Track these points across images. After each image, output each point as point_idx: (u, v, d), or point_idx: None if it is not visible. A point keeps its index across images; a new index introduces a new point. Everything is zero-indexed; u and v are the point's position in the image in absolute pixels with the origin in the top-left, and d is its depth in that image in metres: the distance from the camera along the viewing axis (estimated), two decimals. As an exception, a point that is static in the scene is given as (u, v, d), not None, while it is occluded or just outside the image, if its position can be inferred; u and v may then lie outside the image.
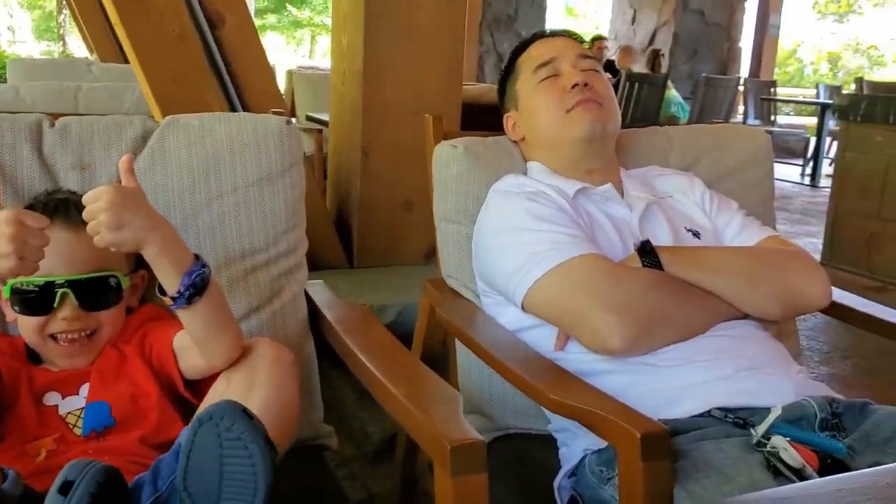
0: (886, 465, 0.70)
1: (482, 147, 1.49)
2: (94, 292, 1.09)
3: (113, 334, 1.12)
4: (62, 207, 1.09)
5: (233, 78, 2.18)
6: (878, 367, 2.84)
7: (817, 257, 4.25)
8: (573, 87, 1.37)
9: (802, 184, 7.73)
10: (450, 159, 1.46)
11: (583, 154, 1.39)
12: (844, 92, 7.55)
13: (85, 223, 1.03)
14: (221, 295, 1.07)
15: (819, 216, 5.42)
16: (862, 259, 4.01)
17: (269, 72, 2.31)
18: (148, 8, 2.05)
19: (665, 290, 1.19)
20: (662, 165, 1.57)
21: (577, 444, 1.21)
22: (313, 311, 1.36)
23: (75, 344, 1.08)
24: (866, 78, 9.19)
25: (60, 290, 1.05)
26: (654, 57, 7.71)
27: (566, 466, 1.23)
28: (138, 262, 1.16)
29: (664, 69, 7.70)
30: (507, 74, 1.50)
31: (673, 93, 7.01)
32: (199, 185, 1.26)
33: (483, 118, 1.76)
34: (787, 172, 8.19)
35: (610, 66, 7.91)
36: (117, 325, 1.12)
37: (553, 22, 16.05)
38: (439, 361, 1.65)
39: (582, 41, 1.49)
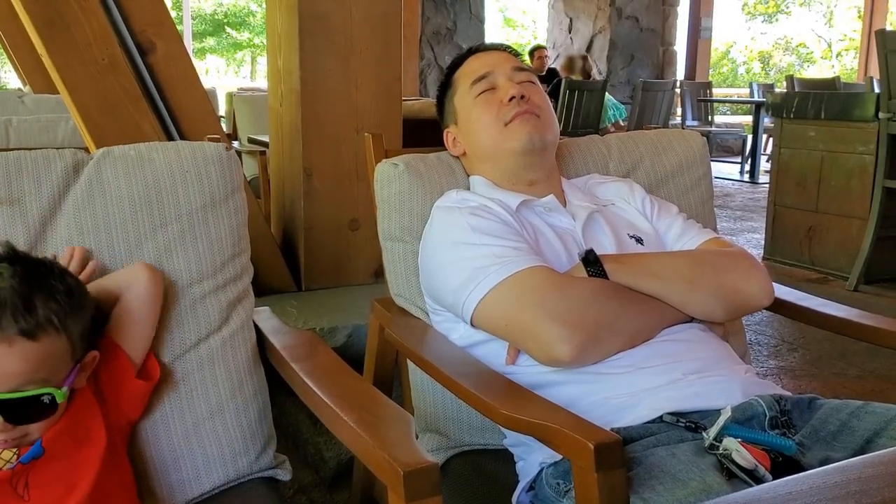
0: (834, 464, 0.70)
1: (423, 164, 1.48)
2: (23, 410, 0.96)
3: (42, 433, 1.01)
4: None
5: (167, 104, 2.14)
6: (824, 356, 2.91)
7: (760, 252, 4.35)
8: (510, 100, 1.37)
9: (742, 181, 7.91)
10: (391, 177, 1.45)
11: (523, 166, 1.39)
12: (777, 90, 7.76)
13: (22, 333, 0.93)
14: None
15: (760, 212, 5.56)
16: (803, 252, 4.11)
17: (204, 96, 2.27)
18: (75, 38, 1.99)
19: (610, 299, 1.20)
20: (602, 173, 1.59)
21: (533, 458, 1.20)
22: (260, 339, 1.34)
23: None
24: (796, 76, 9.45)
25: None
26: (584, 62, 7.82)
27: (524, 480, 1.22)
28: (90, 341, 1.07)
29: (594, 72, 7.82)
30: (444, 90, 1.50)
31: (606, 96, 7.13)
32: (142, 215, 1.22)
33: (426, 133, 1.76)
34: (727, 170, 8.38)
35: (553, 74, 8.01)
36: (47, 428, 1.01)
37: (491, 33, 16.22)
38: (393, 381, 1.63)
39: (517, 54, 1.50)
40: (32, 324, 0.94)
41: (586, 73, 7.62)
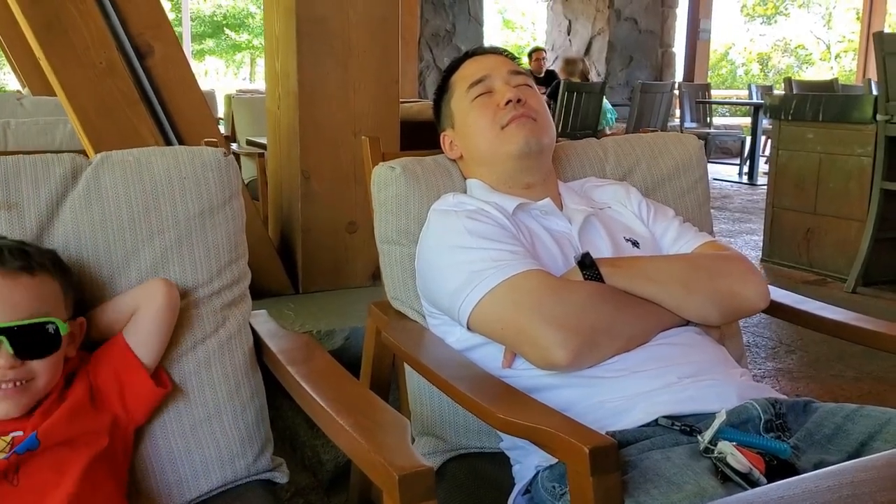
0: (826, 468, 0.70)
1: (420, 167, 1.49)
2: (30, 340, 1.02)
3: (50, 385, 1.06)
4: None
5: (164, 108, 2.14)
6: (822, 358, 2.91)
7: (758, 254, 4.36)
8: (507, 104, 1.38)
9: (741, 182, 7.91)
10: (388, 181, 1.46)
11: (520, 169, 1.40)
12: (775, 92, 7.76)
13: (23, 269, 1.02)
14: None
15: (758, 213, 5.56)
16: (801, 253, 4.11)
17: (202, 100, 2.27)
18: (73, 41, 1.99)
19: (607, 302, 1.20)
20: (599, 176, 1.59)
21: (529, 461, 1.21)
22: (257, 342, 1.34)
23: (7, 391, 1.02)
24: (795, 78, 9.47)
25: None
26: (581, 65, 7.83)
27: (520, 484, 1.22)
28: (77, 310, 1.13)
29: (592, 74, 7.84)
30: (441, 94, 1.51)
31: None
32: (140, 221, 1.23)
33: (424, 134, 1.76)
34: (726, 172, 8.39)
35: (553, 76, 8.02)
36: (54, 377, 1.07)
37: (490, 35, 16.23)
38: (390, 385, 1.63)
39: (513, 57, 1.50)
40: (30, 262, 1.05)
41: (583, 76, 7.63)
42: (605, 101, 7.16)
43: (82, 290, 1.18)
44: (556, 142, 1.50)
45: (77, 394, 1.08)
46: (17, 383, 1.02)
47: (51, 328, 1.04)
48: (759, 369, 2.80)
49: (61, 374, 1.08)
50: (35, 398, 1.05)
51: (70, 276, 1.13)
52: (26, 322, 1.02)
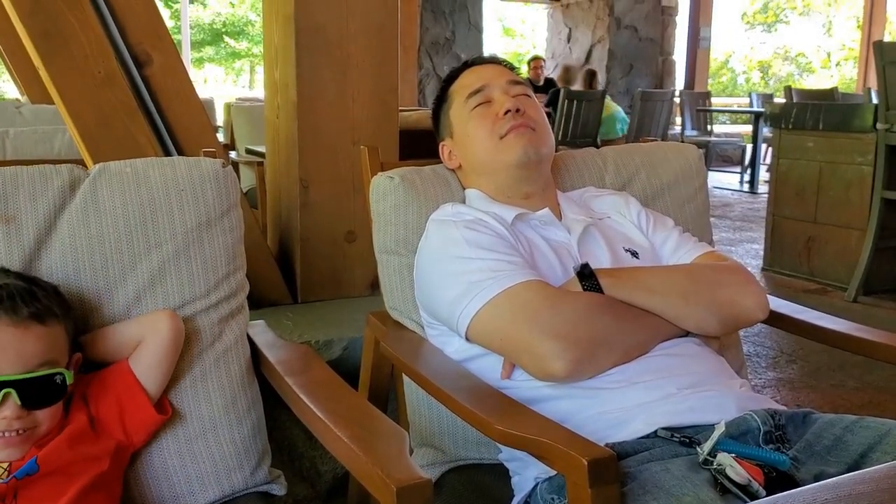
0: (825, 481, 0.70)
1: (419, 177, 1.48)
2: (38, 391, 1.02)
3: (51, 428, 1.05)
4: (7, 301, 1.02)
5: (163, 117, 2.14)
6: (822, 368, 2.90)
7: (759, 262, 4.35)
8: (505, 114, 1.38)
9: (742, 191, 7.92)
10: (387, 191, 1.46)
11: (519, 179, 1.40)
12: (775, 101, 7.77)
13: (33, 317, 1.02)
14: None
15: (759, 222, 5.55)
16: (802, 262, 4.11)
17: (200, 109, 2.27)
18: (72, 51, 2.00)
19: (606, 313, 1.20)
20: (598, 185, 1.59)
21: (528, 473, 1.20)
22: (255, 353, 1.33)
23: (11, 440, 1.02)
24: (795, 86, 9.48)
25: (3, 391, 0.99)
26: (591, 77, 7.85)
27: (519, 495, 1.22)
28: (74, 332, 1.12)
29: (601, 86, 7.86)
30: (440, 103, 1.51)
31: (616, 108, 7.16)
32: (137, 234, 1.22)
33: (423, 144, 1.76)
34: (727, 180, 8.40)
35: (552, 84, 8.04)
36: (56, 419, 1.06)
37: (490, 43, 16.26)
38: (388, 395, 1.63)
39: (512, 67, 1.50)
40: (41, 308, 1.04)
41: (591, 86, 7.65)
42: (618, 108, 7.18)
43: (80, 308, 1.17)
44: (556, 151, 1.50)
45: (76, 419, 1.08)
46: (21, 431, 1.02)
47: (59, 379, 1.04)
48: (760, 379, 2.80)
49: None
50: (32, 442, 1.03)
51: (70, 310, 1.12)
52: (36, 375, 1.02)
